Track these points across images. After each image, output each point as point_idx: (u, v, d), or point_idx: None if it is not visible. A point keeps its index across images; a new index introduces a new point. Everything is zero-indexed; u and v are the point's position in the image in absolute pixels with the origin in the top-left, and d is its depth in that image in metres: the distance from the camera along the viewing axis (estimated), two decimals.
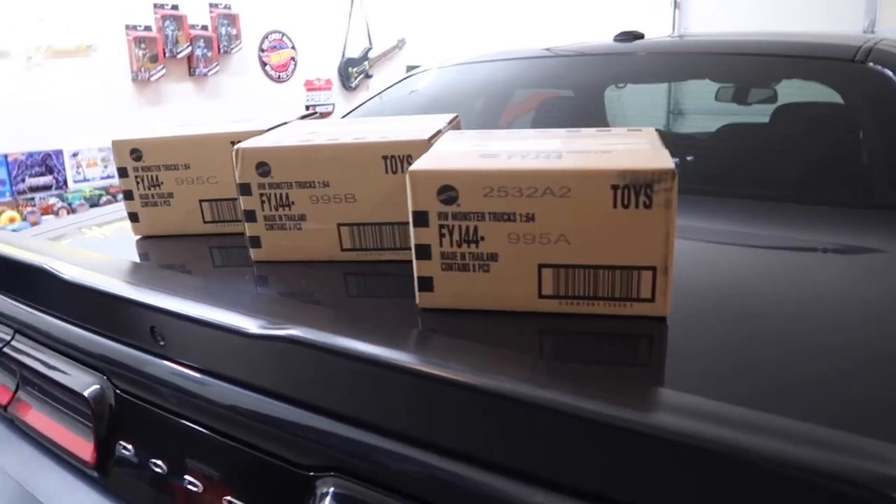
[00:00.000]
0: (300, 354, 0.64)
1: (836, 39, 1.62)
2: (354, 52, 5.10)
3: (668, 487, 0.48)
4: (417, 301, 0.76)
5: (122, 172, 1.11)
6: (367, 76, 5.26)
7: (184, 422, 0.77)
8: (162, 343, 0.75)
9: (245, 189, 0.93)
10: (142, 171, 1.10)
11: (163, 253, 1.08)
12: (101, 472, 0.90)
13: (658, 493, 0.49)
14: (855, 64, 1.35)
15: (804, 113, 1.53)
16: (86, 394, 0.89)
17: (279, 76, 4.45)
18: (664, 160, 0.68)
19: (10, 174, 2.99)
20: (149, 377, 0.78)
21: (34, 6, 3.06)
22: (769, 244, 0.99)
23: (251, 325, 0.67)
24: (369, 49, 5.22)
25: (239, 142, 1.07)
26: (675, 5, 6.23)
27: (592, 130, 0.88)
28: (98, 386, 0.89)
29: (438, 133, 0.92)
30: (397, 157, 0.87)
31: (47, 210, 3.04)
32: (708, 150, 1.54)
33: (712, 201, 1.16)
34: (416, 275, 0.75)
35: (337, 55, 4.98)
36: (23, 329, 1.03)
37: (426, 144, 0.86)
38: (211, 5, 3.88)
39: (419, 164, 0.73)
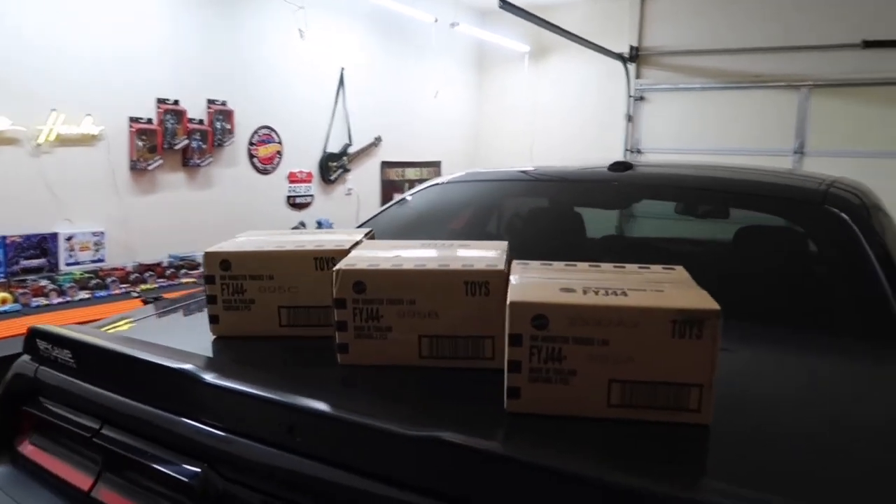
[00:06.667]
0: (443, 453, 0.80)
1: (800, 181, 1.94)
2: (335, 148, 5.38)
3: None
4: (506, 406, 0.92)
5: (210, 280, 1.25)
6: (346, 170, 5.52)
7: None
8: (299, 440, 0.88)
9: (340, 303, 1.09)
10: (228, 280, 1.25)
11: (252, 353, 1.21)
12: None
13: None
14: (816, 206, 1.64)
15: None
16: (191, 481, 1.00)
17: (265, 168, 4.65)
18: (710, 301, 0.89)
19: (6, 256, 3.03)
20: (278, 471, 0.90)
21: (48, 96, 3.21)
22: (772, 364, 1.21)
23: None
24: (349, 145, 5.51)
25: (321, 258, 1.24)
26: (629, 119, 6.83)
27: (635, 267, 1.08)
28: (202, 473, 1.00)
29: (508, 262, 1.11)
30: (476, 283, 1.06)
31: (38, 292, 3.07)
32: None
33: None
34: (506, 385, 0.92)
35: (319, 150, 5.24)
36: (123, 421, 1.12)
37: (503, 273, 1.05)
38: (209, 101, 4.10)
39: (516, 296, 0.91)
